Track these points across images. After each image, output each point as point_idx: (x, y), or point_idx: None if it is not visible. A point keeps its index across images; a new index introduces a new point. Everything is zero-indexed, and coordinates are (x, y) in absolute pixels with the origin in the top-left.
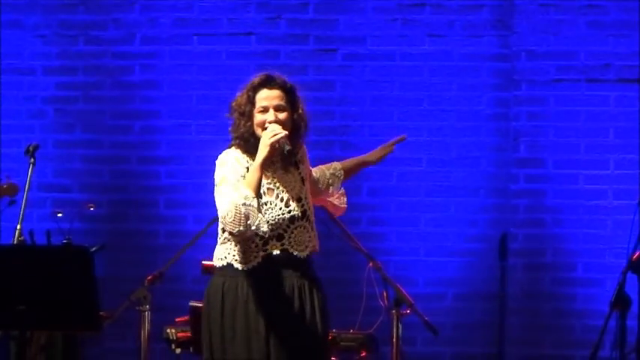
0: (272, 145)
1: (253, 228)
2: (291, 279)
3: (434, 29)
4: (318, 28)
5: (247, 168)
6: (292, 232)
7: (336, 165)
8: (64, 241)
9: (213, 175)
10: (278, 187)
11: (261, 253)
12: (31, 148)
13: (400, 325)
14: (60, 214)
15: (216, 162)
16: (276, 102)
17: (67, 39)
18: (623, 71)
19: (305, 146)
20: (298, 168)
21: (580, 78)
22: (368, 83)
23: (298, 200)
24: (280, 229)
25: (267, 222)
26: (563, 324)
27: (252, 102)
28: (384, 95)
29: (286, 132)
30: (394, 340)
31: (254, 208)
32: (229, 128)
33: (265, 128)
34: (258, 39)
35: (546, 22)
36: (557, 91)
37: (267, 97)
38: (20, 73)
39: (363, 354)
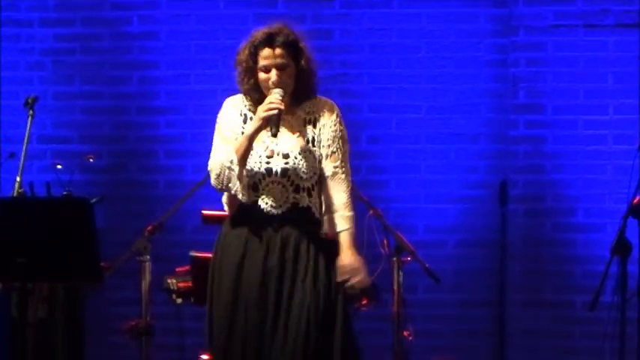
0: (264, 119)
1: (232, 192)
2: (261, 234)
3: None
4: None
5: (242, 112)
6: (267, 186)
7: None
8: (64, 193)
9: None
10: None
11: (243, 198)
12: (30, 100)
13: (401, 273)
14: (59, 166)
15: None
16: (278, 61)
17: None
18: (622, 16)
19: (338, 112)
20: (305, 125)
21: (578, 23)
22: (366, 31)
23: (285, 156)
24: (255, 179)
25: (247, 172)
26: (563, 270)
27: (254, 60)
28: (383, 43)
29: (282, 108)
30: (395, 287)
31: (235, 174)
32: (236, 80)
33: (269, 88)
34: None
35: None
36: (555, 36)
37: (268, 56)
38: (18, 25)
39: (364, 302)
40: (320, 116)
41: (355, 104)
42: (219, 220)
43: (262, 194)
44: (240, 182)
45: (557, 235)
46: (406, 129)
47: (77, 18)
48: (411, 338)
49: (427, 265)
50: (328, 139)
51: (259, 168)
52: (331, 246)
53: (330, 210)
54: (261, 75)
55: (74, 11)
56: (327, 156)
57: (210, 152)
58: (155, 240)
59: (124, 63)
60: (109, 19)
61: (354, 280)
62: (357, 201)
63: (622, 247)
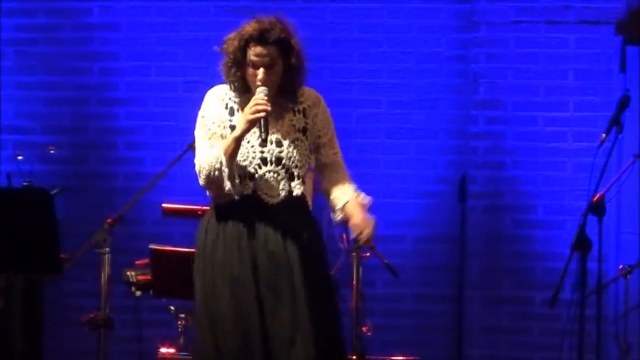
0: (251, 122)
1: (225, 191)
2: (259, 225)
3: None
4: None
5: (227, 105)
6: (263, 175)
7: (347, 197)
8: (25, 184)
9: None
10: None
11: (237, 193)
12: None
13: (360, 268)
14: (20, 157)
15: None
16: (267, 60)
17: None
18: (583, 13)
19: (322, 100)
20: (295, 115)
21: (540, 20)
22: (328, 25)
23: (278, 144)
24: (251, 168)
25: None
26: (523, 266)
27: (243, 54)
28: (344, 37)
29: (268, 110)
30: (354, 282)
31: (225, 176)
32: (220, 66)
33: (257, 85)
34: None
35: None
36: (516, 32)
37: (259, 54)
38: None
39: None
40: (310, 106)
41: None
42: (178, 212)
43: (259, 184)
44: (232, 182)
45: (516, 232)
46: (366, 123)
47: (40, 8)
48: (369, 333)
49: (386, 260)
50: (323, 128)
51: (254, 157)
52: (320, 235)
53: (335, 192)
54: (250, 69)
55: (37, 1)
56: (324, 144)
57: (169, 145)
58: (115, 232)
59: (85, 54)
60: (71, 10)
61: (362, 235)
62: (317, 195)
63: (582, 243)
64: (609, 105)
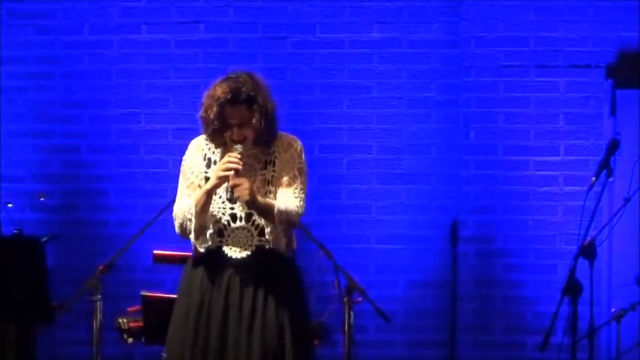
0: (221, 178)
1: (192, 242)
2: (224, 277)
3: (383, 16)
4: (267, 16)
5: (205, 155)
6: (232, 232)
7: None
8: (15, 232)
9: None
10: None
11: (204, 245)
12: None
13: (352, 313)
14: (10, 205)
15: None
16: (238, 120)
17: (16, 29)
18: (573, 56)
19: (297, 146)
20: (266, 167)
21: (529, 64)
22: (317, 71)
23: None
24: (220, 225)
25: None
26: (514, 310)
27: (219, 114)
28: (334, 83)
29: (239, 169)
30: (346, 328)
31: (193, 226)
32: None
33: (231, 142)
34: (207, 27)
35: (495, 9)
36: (506, 77)
37: (230, 115)
38: None
39: (315, 342)
40: (279, 154)
41: (306, 144)
42: (170, 259)
43: (227, 240)
44: (199, 234)
45: (507, 276)
46: (357, 169)
47: (29, 57)
48: None
49: (378, 306)
50: (283, 169)
51: (223, 214)
52: (295, 285)
53: None
54: (223, 126)
55: (26, 50)
56: (282, 184)
57: (160, 192)
58: (106, 279)
59: (76, 102)
60: (61, 58)
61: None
62: (308, 241)
63: (573, 287)
64: (600, 149)
